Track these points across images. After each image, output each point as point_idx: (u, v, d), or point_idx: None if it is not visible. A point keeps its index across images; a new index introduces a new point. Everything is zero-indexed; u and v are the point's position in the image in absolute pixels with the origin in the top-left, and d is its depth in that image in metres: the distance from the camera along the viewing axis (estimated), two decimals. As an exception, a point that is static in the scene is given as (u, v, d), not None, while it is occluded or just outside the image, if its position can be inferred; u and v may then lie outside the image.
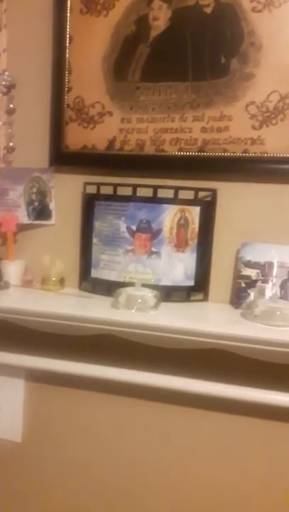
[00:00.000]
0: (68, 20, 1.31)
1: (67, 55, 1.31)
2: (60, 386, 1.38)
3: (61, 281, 1.34)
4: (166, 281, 1.25)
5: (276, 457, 1.26)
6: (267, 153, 1.21)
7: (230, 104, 1.22)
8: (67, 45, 1.31)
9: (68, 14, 1.31)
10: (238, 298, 1.21)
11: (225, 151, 1.23)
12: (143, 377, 1.25)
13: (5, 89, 1.36)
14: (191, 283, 1.26)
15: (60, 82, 1.33)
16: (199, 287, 1.27)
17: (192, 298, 1.27)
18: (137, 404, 1.33)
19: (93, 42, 1.30)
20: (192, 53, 1.24)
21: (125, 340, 1.15)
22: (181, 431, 1.32)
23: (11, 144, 1.38)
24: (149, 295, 1.15)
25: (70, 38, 1.31)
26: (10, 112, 1.37)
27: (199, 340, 1.08)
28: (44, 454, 1.44)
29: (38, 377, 1.40)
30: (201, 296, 1.27)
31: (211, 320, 1.18)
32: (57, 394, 1.40)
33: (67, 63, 1.32)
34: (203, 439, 1.30)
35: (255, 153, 1.22)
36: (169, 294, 1.25)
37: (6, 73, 1.36)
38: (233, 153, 1.23)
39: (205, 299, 1.27)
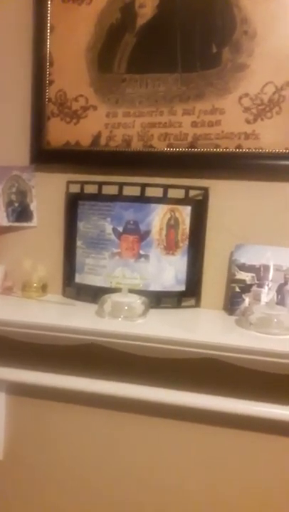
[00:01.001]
0: (49, 9, 1.26)
1: (48, 46, 1.26)
2: (43, 399, 1.32)
3: (43, 287, 1.27)
4: (155, 287, 1.19)
5: (271, 470, 1.20)
6: (262, 149, 1.15)
7: (222, 96, 1.17)
8: (48, 35, 1.26)
9: (49, 2, 1.25)
10: (232, 303, 1.15)
11: (217, 146, 1.18)
12: (130, 389, 1.19)
13: (-18, 83, 1.29)
14: (182, 288, 1.20)
15: (40, 75, 1.27)
16: (191, 292, 1.21)
17: (183, 304, 1.21)
18: (123, 418, 1.27)
19: (76, 31, 1.24)
20: (181, 43, 1.18)
21: (111, 349, 1.09)
22: (169, 444, 1.26)
23: (-11, 141, 1.31)
24: (137, 302, 1.09)
25: (51, 27, 1.25)
26: (-13, 107, 1.31)
27: (191, 350, 1.01)
28: (27, 471, 1.37)
29: (19, 391, 1.33)
30: (192, 301, 1.22)
31: (203, 328, 1.13)
32: (40, 408, 1.33)
33: (48, 54, 1.26)
34: (193, 452, 1.25)
35: (249, 148, 1.16)
36: (158, 299, 1.19)
37: (-16, 66, 1.29)
38: (226, 148, 1.17)
39: (197, 304, 1.22)
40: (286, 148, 1.13)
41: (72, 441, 1.33)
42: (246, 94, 1.15)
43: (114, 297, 1.09)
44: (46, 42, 1.25)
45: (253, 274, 1.14)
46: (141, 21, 1.20)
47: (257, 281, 1.13)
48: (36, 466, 1.36)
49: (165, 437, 1.25)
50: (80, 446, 1.32)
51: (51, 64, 1.26)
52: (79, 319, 1.11)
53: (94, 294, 1.21)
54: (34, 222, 1.31)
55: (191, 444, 1.24)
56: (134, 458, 1.29)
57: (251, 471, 1.21)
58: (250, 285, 1.13)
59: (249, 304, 1.10)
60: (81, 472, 1.33)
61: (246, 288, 1.14)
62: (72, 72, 1.25)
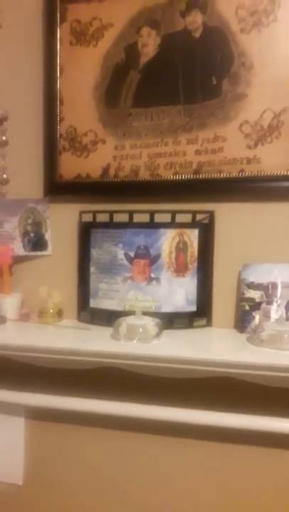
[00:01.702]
0: (58, 51, 1.35)
1: (58, 86, 1.35)
2: (62, 423, 1.35)
3: (59, 313, 1.33)
4: (167, 308, 1.24)
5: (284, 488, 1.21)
6: (264, 172, 1.22)
7: (223, 124, 1.24)
8: (58, 76, 1.35)
9: (58, 46, 1.35)
10: (242, 322, 1.19)
11: (221, 172, 1.24)
12: (147, 410, 1.22)
13: (-3, 123, 1.39)
14: (193, 308, 1.25)
15: (52, 113, 1.36)
16: (202, 312, 1.25)
17: (195, 324, 1.25)
18: (142, 439, 1.30)
19: (84, 71, 1.34)
20: (183, 77, 1.27)
21: (127, 371, 1.13)
22: (190, 464, 1.28)
23: (5, 175, 1.40)
24: (151, 324, 1.14)
25: (61, 68, 1.35)
26: (3, 145, 1.40)
27: (206, 369, 1.05)
28: (47, 496, 1.40)
29: (38, 415, 1.37)
30: (204, 321, 1.26)
31: (216, 347, 1.17)
32: (59, 431, 1.37)
33: (58, 94, 1.35)
34: (214, 470, 1.26)
35: (251, 172, 1.23)
36: (170, 320, 1.23)
37: (-2, 106, 1.39)
38: (229, 173, 1.24)
39: (208, 324, 1.26)
40: (287, 170, 1.20)
41: (92, 464, 1.35)
42: (246, 122, 1.22)
43: (129, 320, 1.15)
44: (56, 82, 1.35)
45: (262, 292, 1.18)
46: (144, 59, 1.29)
47: (266, 299, 1.17)
48: (56, 491, 1.38)
49: (184, 457, 1.28)
50: (99, 469, 1.35)
51: (61, 102, 1.35)
52: (95, 342, 1.16)
53: (108, 318, 1.26)
54: (49, 251, 1.38)
55: (210, 463, 1.26)
56: (155, 479, 1.31)
57: (265, 488, 1.22)
58: (260, 303, 1.18)
59: (260, 322, 1.14)
60: (102, 495, 1.35)
61: (256, 306, 1.18)
62: (81, 109, 1.34)
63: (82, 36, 1.33)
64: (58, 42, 1.34)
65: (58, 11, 1.34)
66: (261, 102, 1.21)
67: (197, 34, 1.25)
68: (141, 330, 1.12)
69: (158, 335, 1.13)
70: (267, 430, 1.15)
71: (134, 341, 1.13)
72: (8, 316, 1.31)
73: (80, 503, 1.37)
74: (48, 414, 1.33)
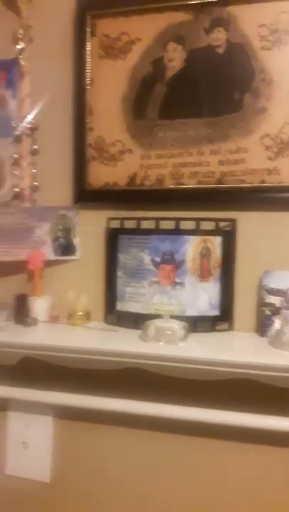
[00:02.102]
0: (88, 65, 1.42)
1: (87, 97, 1.42)
2: (89, 422, 1.42)
3: (87, 315, 1.40)
4: (191, 312, 1.31)
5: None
6: (283, 183, 1.28)
7: (245, 137, 1.31)
8: (88, 87, 1.42)
9: (88, 59, 1.42)
10: (263, 326, 1.26)
11: (242, 182, 1.31)
12: (174, 411, 1.27)
13: (28, 132, 1.46)
14: (216, 312, 1.31)
15: (81, 123, 1.43)
16: (224, 316, 1.32)
17: (217, 328, 1.32)
18: (169, 439, 1.36)
19: (112, 84, 1.41)
20: (207, 91, 1.34)
21: (152, 372, 1.19)
22: (214, 464, 1.34)
23: (35, 183, 1.47)
24: (178, 327, 1.21)
25: (90, 80, 1.42)
26: (34, 153, 1.48)
27: (231, 371, 1.12)
28: (74, 494, 1.45)
29: (66, 414, 1.44)
30: (226, 325, 1.32)
31: (240, 350, 1.22)
32: (86, 430, 1.43)
33: (88, 105, 1.42)
34: (236, 471, 1.32)
35: (272, 183, 1.29)
36: (194, 324, 1.30)
37: (30, 116, 1.46)
38: (251, 183, 1.30)
39: (230, 328, 1.32)
40: (306, 182, 1.26)
41: (119, 464, 1.41)
42: (267, 135, 1.29)
43: (157, 322, 1.22)
44: (86, 93, 1.42)
45: (282, 298, 1.24)
46: (170, 73, 1.36)
47: (285, 304, 1.24)
48: (83, 489, 1.44)
49: (211, 457, 1.33)
50: (126, 469, 1.41)
51: (91, 113, 1.42)
52: (124, 343, 1.23)
53: (134, 321, 1.34)
54: (77, 256, 1.46)
55: (238, 463, 1.32)
56: (183, 478, 1.36)
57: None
58: (280, 308, 1.24)
59: (281, 326, 1.21)
60: (128, 494, 1.41)
61: (276, 311, 1.24)
62: (109, 119, 1.41)
63: (110, 50, 1.40)
64: (88, 55, 1.41)
65: (88, 26, 1.41)
66: (281, 115, 1.28)
67: (221, 50, 1.32)
68: (169, 332, 1.19)
69: (185, 337, 1.20)
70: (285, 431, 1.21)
71: (162, 343, 1.19)
72: (39, 318, 1.39)
73: (106, 501, 1.43)
74: (76, 413, 1.39)
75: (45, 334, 1.34)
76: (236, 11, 1.29)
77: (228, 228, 1.32)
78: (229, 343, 1.25)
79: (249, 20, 1.28)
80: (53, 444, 1.47)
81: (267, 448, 1.28)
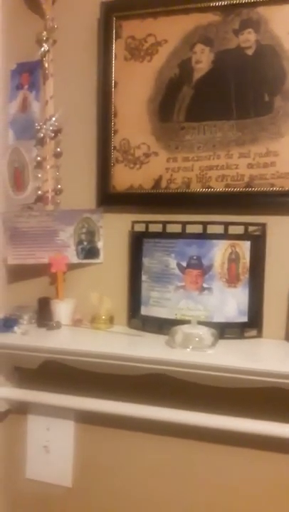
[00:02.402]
0: (113, 66, 1.40)
1: (112, 99, 1.40)
2: (111, 427, 1.40)
3: (110, 319, 1.37)
4: (218, 318, 1.27)
5: None
6: (315, 187, 1.24)
7: (275, 140, 1.27)
8: (112, 89, 1.40)
9: (113, 61, 1.39)
10: (293, 333, 1.22)
11: (272, 185, 1.28)
12: (196, 417, 1.25)
13: (52, 134, 1.44)
14: (245, 319, 1.28)
15: (106, 125, 1.40)
16: (253, 323, 1.28)
17: (246, 334, 1.28)
18: (192, 446, 1.33)
19: (137, 86, 1.38)
20: (235, 93, 1.30)
21: (177, 378, 1.16)
22: (241, 472, 1.31)
23: (59, 186, 1.44)
24: (206, 333, 1.17)
25: (115, 83, 1.40)
26: (57, 156, 1.45)
27: (259, 379, 1.08)
28: (95, 499, 1.44)
29: (88, 419, 1.42)
30: (255, 332, 1.29)
31: (269, 358, 1.19)
32: (108, 435, 1.41)
33: (113, 107, 1.40)
34: (265, 479, 1.29)
35: (303, 187, 1.25)
36: (222, 330, 1.26)
37: (53, 118, 1.44)
38: (281, 187, 1.27)
39: (259, 335, 1.29)
40: None
41: (140, 469, 1.39)
42: (298, 137, 1.26)
43: (185, 328, 1.18)
44: (111, 95, 1.39)
45: (313, 305, 1.21)
46: (197, 75, 1.33)
47: (317, 311, 1.20)
48: (104, 494, 1.42)
49: (235, 464, 1.30)
50: (148, 474, 1.38)
51: (115, 115, 1.40)
52: (151, 349, 1.19)
53: (159, 326, 1.31)
54: (100, 259, 1.43)
55: (262, 471, 1.29)
56: (207, 484, 1.33)
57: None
58: (311, 315, 1.21)
59: (311, 333, 1.17)
60: (149, 498, 1.39)
61: (307, 318, 1.21)
62: (134, 122, 1.38)
63: (136, 52, 1.38)
64: (113, 57, 1.39)
65: (114, 27, 1.39)
66: (313, 118, 1.25)
67: (250, 52, 1.29)
68: (197, 339, 1.16)
69: (213, 344, 1.17)
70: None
71: (189, 349, 1.16)
72: (62, 321, 1.36)
73: (127, 506, 1.40)
74: (97, 418, 1.37)
75: (69, 338, 1.31)
76: (266, 11, 1.27)
77: (258, 233, 1.28)
78: (258, 351, 1.22)
79: (279, 21, 1.25)
80: (74, 449, 1.45)
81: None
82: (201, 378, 1.14)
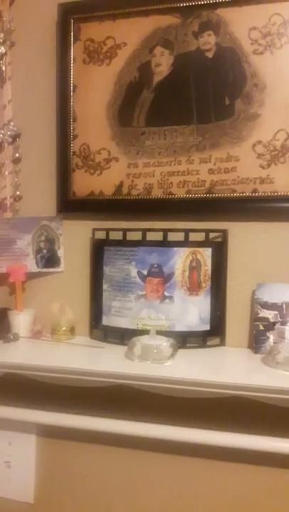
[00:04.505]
0: (71, 70, 1.31)
1: (71, 104, 1.31)
2: (73, 441, 1.31)
3: (71, 330, 1.28)
4: (180, 327, 1.19)
5: None
6: (277, 192, 1.18)
7: (236, 144, 1.20)
8: (71, 93, 1.31)
9: (72, 64, 1.31)
10: (256, 342, 1.15)
11: (234, 191, 1.20)
12: (158, 430, 1.17)
13: (10, 139, 1.35)
14: (207, 327, 1.20)
15: (65, 130, 1.32)
16: (215, 331, 1.21)
17: (208, 343, 1.21)
18: (154, 458, 1.25)
19: (97, 90, 1.30)
20: (196, 96, 1.23)
21: (139, 390, 1.09)
22: (201, 484, 1.23)
23: (18, 192, 1.35)
24: (165, 344, 1.09)
25: (74, 86, 1.31)
26: (16, 161, 1.36)
27: (219, 391, 1.00)
28: (59, 515, 1.34)
29: (50, 432, 1.32)
30: (217, 340, 1.21)
31: (230, 369, 1.12)
32: (70, 449, 1.32)
33: (71, 111, 1.31)
34: (224, 490, 1.22)
35: (264, 192, 1.19)
36: (184, 339, 1.19)
37: (12, 123, 1.35)
38: (242, 193, 1.20)
39: (222, 343, 1.21)
40: (300, 191, 1.16)
41: (103, 483, 1.30)
42: (259, 142, 1.19)
43: (143, 340, 1.10)
44: (70, 100, 1.30)
45: (276, 312, 1.14)
46: (157, 78, 1.25)
47: (280, 319, 1.13)
48: (67, 509, 1.33)
49: (193, 476, 1.23)
50: (109, 488, 1.30)
51: (75, 120, 1.31)
52: (109, 363, 1.11)
53: (121, 336, 1.22)
54: (61, 268, 1.34)
55: (221, 483, 1.22)
56: (165, 498, 1.26)
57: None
58: (274, 323, 1.14)
59: (275, 343, 1.10)
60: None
61: (270, 326, 1.14)
62: (94, 127, 1.30)
63: (95, 55, 1.29)
64: (72, 60, 1.30)
65: (72, 30, 1.30)
66: (274, 122, 1.17)
67: (210, 54, 1.22)
68: (155, 351, 1.08)
69: (172, 355, 1.09)
70: (280, 451, 1.10)
71: (149, 362, 1.08)
72: (21, 333, 1.26)
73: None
74: (59, 431, 1.28)
75: (26, 352, 1.21)
76: (226, 14, 1.19)
77: (219, 239, 1.21)
78: (219, 361, 1.14)
79: (240, 24, 1.18)
80: (36, 463, 1.35)
81: (261, 468, 1.17)
82: (160, 390, 1.06)
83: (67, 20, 1.30)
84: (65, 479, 1.33)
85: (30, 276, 1.34)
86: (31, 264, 1.33)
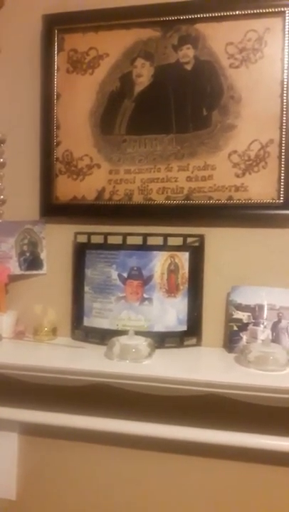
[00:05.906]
0: (55, 79, 1.33)
1: (55, 111, 1.33)
2: (55, 439, 1.32)
3: (53, 331, 1.30)
4: (159, 328, 1.22)
5: (272, 502, 1.19)
6: (251, 200, 1.22)
7: (213, 153, 1.24)
8: (55, 101, 1.33)
9: (55, 73, 1.33)
10: (230, 342, 1.19)
11: (210, 198, 1.24)
12: (139, 427, 1.19)
13: (-5, 145, 1.35)
14: (184, 328, 1.23)
15: (48, 137, 1.33)
16: (192, 332, 1.24)
17: (185, 343, 1.24)
18: (133, 455, 1.27)
19: (80, 98, 1.32)
20: (175, 107, 1.26)
21: (119, 388, 1.11)
22: (179, 479, 1.26)
23: (2, 196, 1.36)
24: (143, 344, 1.12)
25: (58, 95, 1.33)
26: (0, 166, 1.37)
27: (194, 389, 1.04)
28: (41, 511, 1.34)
29: (32, 430, 1.33)
30: (194, 340, 1.24)
31: (205, 367, 1.15)
32: (52, 447, 1.33)
33: (55, 119, 1.33)
34: (199, 485, 1.24)
35: (239, 199, 1.22)
36: (162, 340, 1.21)
37: (-4, 129, 1.36)
38: (218, 200, 1.23)
39: (198, 343, 1.24)
40: (272, 199, 1.20)
41: (84, 480, 1.31)
42: (235, 151, 1.22)
43: (122, 340, 1.12)
44: (53, 108, 1.32)
45: (249, 314, 1.17)
46: (138, 88, 1.28)
47: (253, 320, 1.17)
48: (49, 506, 1.34)
49: (174, 471, 1.25)
50: (91, 485, 1.31)
51: (58, 127, 1.33)
52: (89, 362, 1.13)
53: (101, 336, 1.24)
54: (44, 270, 1.35)
55: (196, 478, 1.24)
56: (147, 494, 1.28)
57: (251, 500, 1.21)
58: (247, 324, 1.17)
59: (247, 342, 1.14)
60: (95, 510, 1.31)
61: (243, 327, 1.17)
62: (77, 134, 1.32)
63: (78, 64, 1.32)
64: (56, 69, 1.32)
65: (56, 40, 1.32)
66: (249, 133, 1.21)
67: (189, 67, 1.25)
68: (134, 350, 1.10)
69: (150, 355, 1.11)
70: (254, 447, 1.14)
71: (127, 361, 1.10)
72: (3, 334, 1.27)
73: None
74: (42, 429, 1.29)
75: (9, 352, 1.22)
76: (204, 28, 1.23)
77: (196, 244, 1.24)
78: (195, 360, 1.17)
79: (217, 38, 1.22)
80: (18, 461, 1.35)
81: (239, 464, 1.20)
82: (139, 388, 1.09)
83: (52, 31, 1.32)
84: (47, 476, 1.34)
85: (14, 278, 1.35)
86: (14, 267, 1.34)
